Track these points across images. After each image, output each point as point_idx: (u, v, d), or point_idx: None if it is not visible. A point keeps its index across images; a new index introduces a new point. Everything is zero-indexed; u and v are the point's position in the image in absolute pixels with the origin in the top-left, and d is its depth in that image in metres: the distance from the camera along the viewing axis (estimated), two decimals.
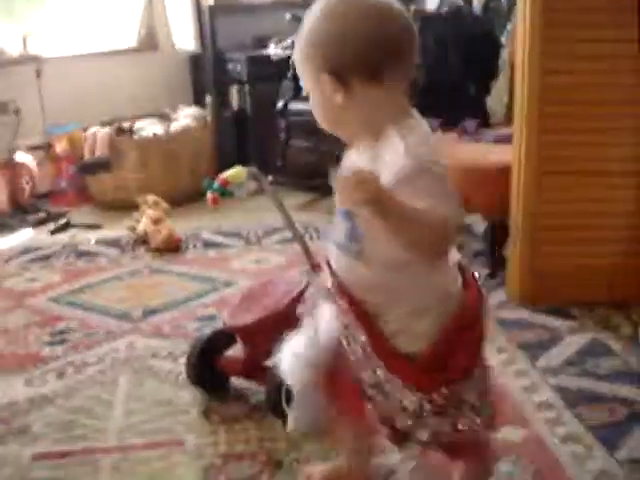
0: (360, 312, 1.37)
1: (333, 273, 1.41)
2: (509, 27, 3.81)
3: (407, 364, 1.36)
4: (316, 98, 1.34)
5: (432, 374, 1.36)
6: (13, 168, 4.08)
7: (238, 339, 2.08)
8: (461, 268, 1.44)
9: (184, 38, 4.66)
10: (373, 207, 1.17)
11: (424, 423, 1.39)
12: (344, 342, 1.42)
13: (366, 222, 1.28)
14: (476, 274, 1.47)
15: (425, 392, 1.37)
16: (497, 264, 2.87)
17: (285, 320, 2.13)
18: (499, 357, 2.27)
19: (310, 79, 1.33)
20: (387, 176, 1.23)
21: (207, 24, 4.48)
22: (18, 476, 1.81)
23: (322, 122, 1.37)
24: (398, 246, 1.24)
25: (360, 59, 1.27)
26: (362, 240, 1.33)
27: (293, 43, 4.21)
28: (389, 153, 1.27)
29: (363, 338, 1.38)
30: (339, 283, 1.40)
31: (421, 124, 1.33)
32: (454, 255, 1.41)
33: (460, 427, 1.39)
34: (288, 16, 4.10)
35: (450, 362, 1.37)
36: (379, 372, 1.38)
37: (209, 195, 2.09)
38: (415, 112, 1.36)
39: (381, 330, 1.36)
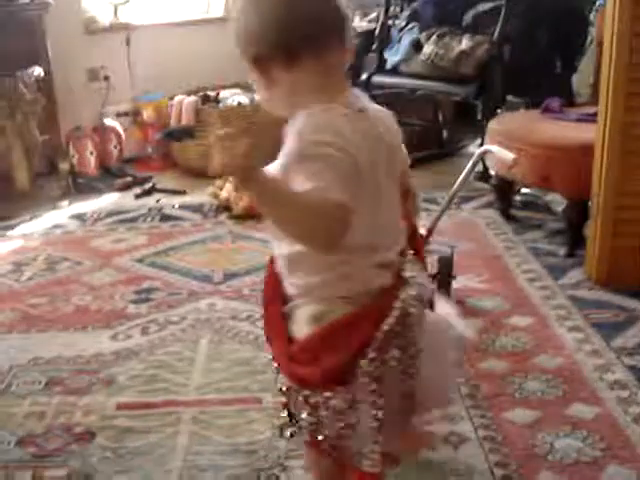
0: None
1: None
2: (597, 5, 3.75)
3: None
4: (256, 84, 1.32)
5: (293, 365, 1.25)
6: (102, 133, 4.21)
7: None
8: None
9: None
10: (241, 182, 1.10)
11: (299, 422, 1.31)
12: None
13: None
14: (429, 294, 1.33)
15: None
16: (576, 243, 2.86)
17: None
18: (574, 335, 2.27)
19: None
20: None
21: None
22: (103, 423, 1.91)
23: (263, 106, 1.34)
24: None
25: (273, 46, 1.24)
26: None
27: (378, 16, 4.25)
28: (288, 138, 1.21)
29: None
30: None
31: (331, 109, 1.22)
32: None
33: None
34: None
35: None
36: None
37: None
38: (346, 94, 1.28)
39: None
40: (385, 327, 1.20)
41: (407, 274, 1.26)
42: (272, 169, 1.18)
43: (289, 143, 1.19)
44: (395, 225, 1.30)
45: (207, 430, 1.87)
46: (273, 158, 1.22)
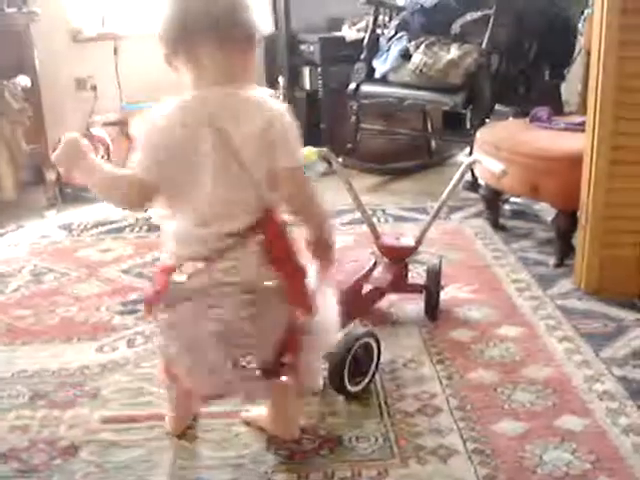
0: None
1: None
2: (586, 14, 3.76)
3: None
4: None
5: None
6: (89, 142, 4.17)
7: None
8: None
9: (258, 19, 4.69)
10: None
11: None
12: None
13: None
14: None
15: None
16: (565, 253, 2.85)
17: (352, 299, 2.18)
18: (563, 346, 2.26)
19: None
20: None
21: (281, 5, 4.52)
22: (88, 437, 1.88)
23: None
24: None
25: (170, 42, 1.56)
26: None
27: (367, 25, 4.29)
28: None
29: None
30: None
31: (178, 100, 1.56)
32: None
33: None
34: None
35: None
36: None
37: None
38: (216, 88, 1.55)
39: None
40: (174, 279, 1.57)
41: (230, 251, 1.54)
42: None
43: None
44: (227, 207, 1.54)
45: (193, 444, 1.84)
46: None
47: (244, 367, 1.64)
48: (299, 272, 1.63)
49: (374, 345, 2.06)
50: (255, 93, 1.59)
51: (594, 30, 2.46)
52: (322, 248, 1.66)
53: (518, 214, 3.47)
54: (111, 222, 3.56)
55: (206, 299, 1.56)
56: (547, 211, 3.31)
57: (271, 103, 1.58)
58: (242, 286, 1.55)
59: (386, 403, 1.98)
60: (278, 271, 1.58)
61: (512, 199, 3.53)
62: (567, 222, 2.83)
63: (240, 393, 1.73)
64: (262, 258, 1.56)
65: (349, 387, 1.98)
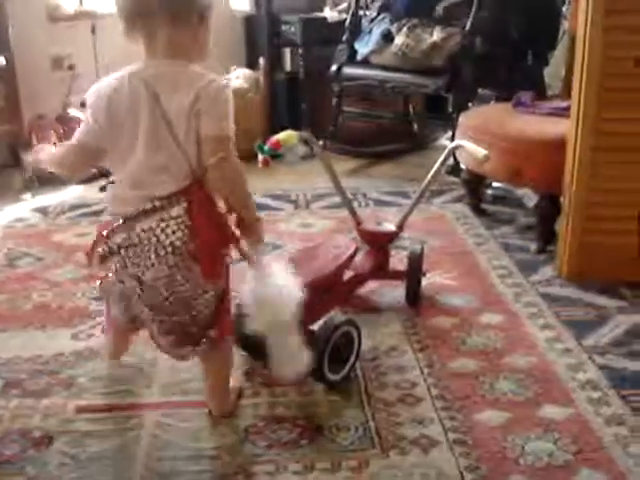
0: None
1: None
2: None
3: None
4: None
5: None
6: (66, 123, 4.11)
7: None
8: None
9: None
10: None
11: None
12: None
13: None
14: None
15: None
16: (547, 239, 2.83)
17: (332, 285, 2.14)
18: (545, 334, 2.25)
19: None
20: None
21: None
22: (62, 427, 1.84)
23: None
24: None
25: (125, 18, 1.69)
26: None
27: (349, 6, 4.26)
28: None
29: None
30: None
31: (122, 71, 1.69)
32: None
33: None
34: None
35: None
36: None
37: (260, 157, 2.10)
38: (151, 62, 1.68)
39: None
40: (105, 233, 1.70)
41: (153, 213, 1.65)
42: None
43: None
44: (156, 172, 1.65)
45: (170, 434, 1.80)
46: None
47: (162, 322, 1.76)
48: (217, 243, 1.71)
49: (354, 333, 2.03)
50: (196, 69, 1.68)
51: (579, 15, 2.43)
52: (248, 226, 1.75)
53: (500, 199, 3.45)
54: (88, 205, 3.50)
55: (127, 255, 1.69)
56: (529, 196, 3.29)
57: (207, 77, 1.65)
58: (161, 247, 1.65)
59: (367, 392, 1.96)
60: (196, 239, 1.66)
61: (494, 184, 3.51)
62: (549, 208, 2.81)
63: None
64: (184, 224, 1.65)
65: (329, 376, 1.95)
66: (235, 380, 1.98)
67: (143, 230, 1.66)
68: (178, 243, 1.65)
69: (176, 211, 1.65)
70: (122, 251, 1.69)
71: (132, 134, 1.65)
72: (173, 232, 1.65)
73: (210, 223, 1.68)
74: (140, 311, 1.76)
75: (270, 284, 1.74)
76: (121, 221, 1.68)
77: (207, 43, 1.75)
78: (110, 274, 1.78)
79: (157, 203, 1.65)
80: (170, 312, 1.73)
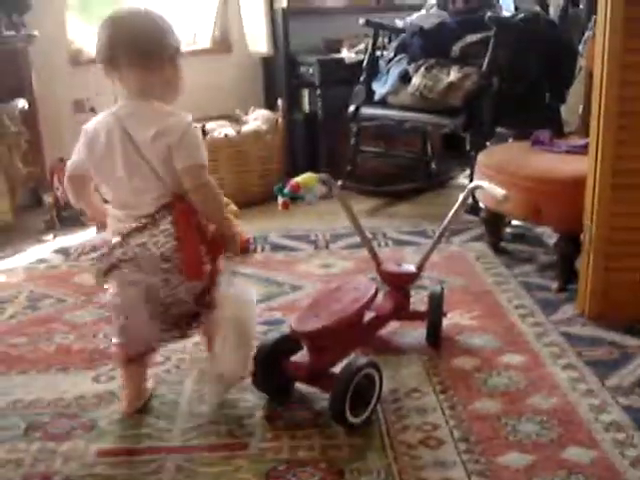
0: None
1: None
2: (586, 36, 3.75)
3: None
4: None
5: None
6: None
7: (304, 344, 2.07)
8: None
9: (257, 40, 4.69)
10: None
11: None
12: None
13: None
14: None
15: None
16: (568, 277, 2.82)
17: (353, 327, 2.14)
18: (567, 374, 2.22)
19: None
20: None
21: (280, 27, 4.51)
22: (83, 472, 1.83)
23: None
24: None
25: (102, 61, 1.94)
26: None
27: (366, 47, 4.33)
28: None
29: None
30: None
31: (111, 109, 1.96)
32: None
33: None
34: (361, 20, 4.10)
35: None
36: None
37: (280, 200, 2.12)
38: (126, 103, 1.94)
39: None
40: (106, 249, 1.96)
41: (144, 230, 1.91)
42: None
43: None
44: (138, 194, 1.91)
45: (191, 479, 1.80)
46: None
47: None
48: (196, 247, 1.94)
49: (375, 375, 2.02)
50: (162, 107, 1.93)
51: (596, 53, 2.44)
52: (225, 239, 2.00)
53: (519, 237, 3.45)
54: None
55: (127, 267, 1.94)
56: (549, 234, 3.28)
57: (169, 115, 1.92)
58: (155, 257, 1.92)
59: (388, 435, 1.94)
60: (180, 246, 1.92)
61: (513, 222, 3.51)
62: (570, 246, 2.80)
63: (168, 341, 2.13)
64: (172, 235, 1.92)
65: (350, 419, 1.94)
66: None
67: (137, 245, 1.92)
68: (168, 253, 1.92)
69: (163, 225, 1.91)
70: (122, 264, 1.95)
71: (111, 162, 1.91)
72: (163, 244, 1.92)
73: (193, 231, 1.94)
74: (146, 312, 1.98)
75: (235, 286, 2.05)
76: (119, 238, 1.93)
77: (178, 84, 1.99)
78: (113, 288, 2.01)
79: (144, 221, 1.91)
80: (170, 307, 2.02)
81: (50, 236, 3.73)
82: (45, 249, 3.56)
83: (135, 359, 2.03)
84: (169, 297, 2.00)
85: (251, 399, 2.12)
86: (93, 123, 1.96)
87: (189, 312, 2.07)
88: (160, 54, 1.92)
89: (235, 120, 4.44)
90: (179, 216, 1.91)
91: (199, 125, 4.14)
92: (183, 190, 1.92)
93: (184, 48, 4.56)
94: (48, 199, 3.91)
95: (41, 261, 3.38)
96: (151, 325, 2.00)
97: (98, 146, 1.92)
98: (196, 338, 2.34)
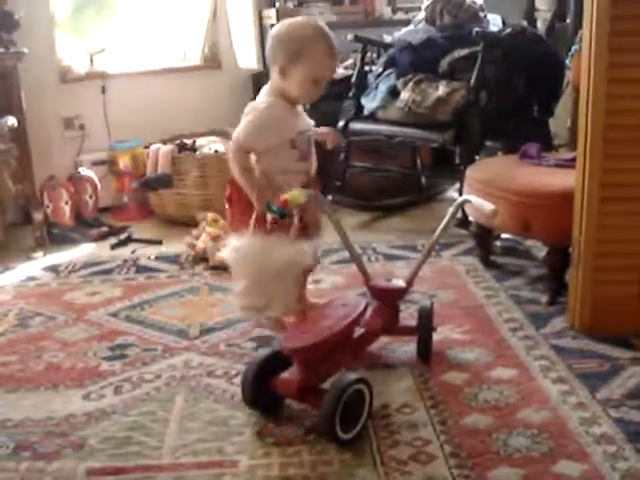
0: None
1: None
2: (573, 50, 3.77)
3: None
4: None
5: None
6: (77, 182, 4.16)
7: (294, 361, 2.07)
8: None
9: (247, 57, 4.71)
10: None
11: None
12: None
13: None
14: None
15: None
16: (558, 291, 2.82)
17: (343, 343, 2.14)
18: (558, 387, 2.22)
19: None
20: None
21: (269, 42, 4.51)
22: None
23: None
24: None
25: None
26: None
27: (355, 62, 4.38)
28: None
29: None
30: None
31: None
32: None
33: None
34: (350, 36, 4.12)
35: None
36: None
37: (269, 217, 2.12)
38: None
39: None
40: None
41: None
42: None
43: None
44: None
45: None
46: None
47: None
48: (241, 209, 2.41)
49: (366, 391, 2.02)
50: (265, 97, 2.48)
51: (582, 68, 2.46)
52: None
53: (509, 250, 3.45)
54: (99, 263, 3.52)
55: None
56: (538, 247, 3.29)
57: (258, 100, 2.48)
58: None
59: (379, 450, 1.94)
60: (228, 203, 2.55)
61: (503, 235, 3.51)
62: (559, 259, 2.81)
63: None
64: None
65: (341, 435, 1.94)
66: None
67: None
68: None
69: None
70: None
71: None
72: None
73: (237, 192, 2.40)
74: None
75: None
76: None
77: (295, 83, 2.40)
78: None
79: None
80: None
81: (40, 253, 3.72)
82: (35, 266, 3.54)
83: None
84: None
85: (241, 416, 2.12)
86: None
87: None
88: (275, 61, 2.42)
89: (225, 136, 4.44)
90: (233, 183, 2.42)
91: (189, 142, 4.18)
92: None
93: (174, 65, 4.62)
94: (38, 216, 3.90)
95: (31, 279, 3.37)
96: None
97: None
98: (185, 356, 2.33)
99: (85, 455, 1.97)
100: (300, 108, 2.54)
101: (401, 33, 4.28)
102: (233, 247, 2.30)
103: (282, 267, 2.24)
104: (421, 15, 4.35)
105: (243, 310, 2.46)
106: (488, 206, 2.26)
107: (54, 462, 1.94)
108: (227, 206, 2.53)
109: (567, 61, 3.80)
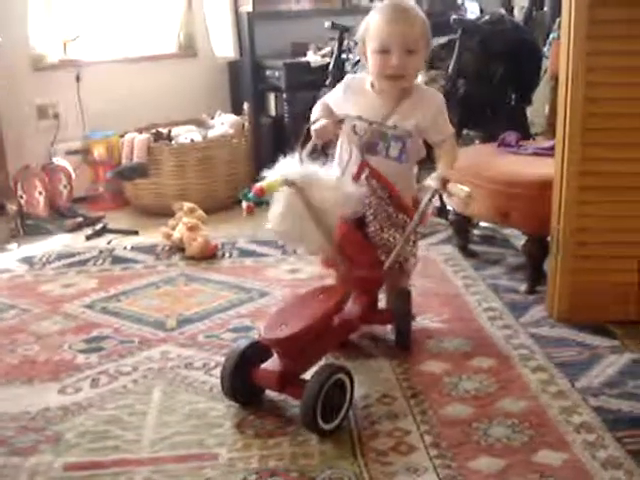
0: (389, 183, 2.38)
1: (372, 168, 2.36)
2: (551, 38, 3.77)
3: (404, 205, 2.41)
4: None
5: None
6: (51, 172, 4.11)
7: (274, 352, 2.05)
8: None
9: (223, 45, 4.66)
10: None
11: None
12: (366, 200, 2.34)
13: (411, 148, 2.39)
14: None
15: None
16: (536, 279, 2.82)
17: (323, 333, 2.12)
18: (537, 376, 2.22)
19: None
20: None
21: (245, 31, 4.49)
22: None
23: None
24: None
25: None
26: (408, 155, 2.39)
27: (332, 51, 4.35)
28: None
29: (386, 194, 2.38)
30: (376, 172, 2.36)
31: None
32: None
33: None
34: (327, 24, 4.09)
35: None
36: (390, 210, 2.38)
37: (244, 205, 2.10)
38: None
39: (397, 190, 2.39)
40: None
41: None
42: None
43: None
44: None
45: None
46: None
47: None
48: None
49: (347, 381, 2.01)
50: None
51: (561, 56, 2.45)
52: None
53: (488, 239, 3.45)
54: (74, 255, 3.48)
55: None
56: (517, 236, 3.29)
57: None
58: None
59: (360, 441, 1.93)
60: None
61: (481, 223, 3.51)
62: (538, 248, 2.81)
63: None
64: None
65: (322, 425, 1.93)
66: None
67: None
68: None
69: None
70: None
71: None
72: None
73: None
74: None
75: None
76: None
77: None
78: None
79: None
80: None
81: (14, 245, 3.67)
82: (9, 258, 3.49)
83: None
84: None
85: (221, 408, 2.10)
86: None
87: None
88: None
89: (201, 124, 4.40)
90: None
91: (165, 130, 4.14)
92: None
93: (149, 53, 4.57)
94: (12, 207, 3.85)
95: (5, 270, 3.32)
96: None
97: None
98: (163, 348, 2.30)
99: (62, 450, 1.94)
100: (391, 102, 2.37)
101: None
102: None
103: (322, 206, 2.14)
104: None
105: (277, 235, 2.33)
106: (462, 189, 2.24)
107: (30, 457, 1.91)
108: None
109: (545, 49, 3.81)
